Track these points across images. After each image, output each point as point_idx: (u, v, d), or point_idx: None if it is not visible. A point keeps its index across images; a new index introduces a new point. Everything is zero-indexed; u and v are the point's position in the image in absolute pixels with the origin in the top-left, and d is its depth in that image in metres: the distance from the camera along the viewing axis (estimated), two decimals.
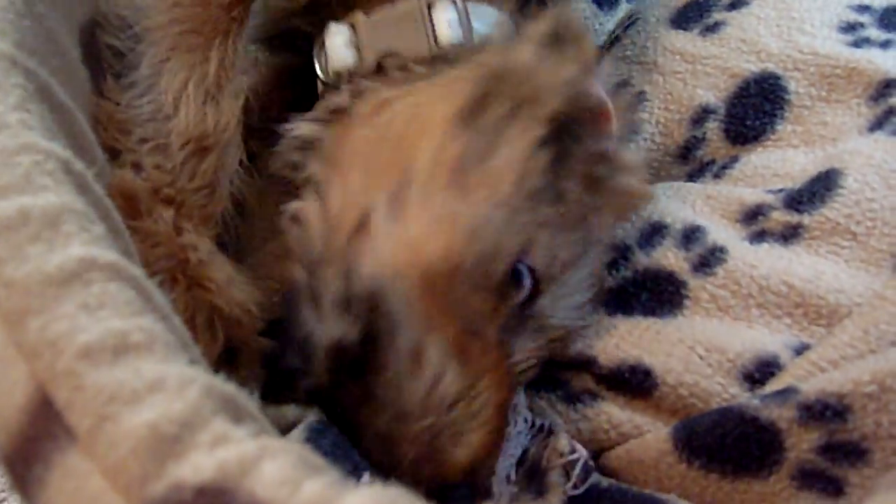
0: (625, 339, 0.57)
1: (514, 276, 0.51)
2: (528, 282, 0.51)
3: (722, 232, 0.60)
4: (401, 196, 0.50)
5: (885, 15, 0.71)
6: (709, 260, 0.58)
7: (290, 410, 0.50)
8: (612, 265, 0.61)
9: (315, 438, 0.47)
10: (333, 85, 0.58)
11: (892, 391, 0.46)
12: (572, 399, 0.58)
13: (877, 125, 0.63)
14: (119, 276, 0.31)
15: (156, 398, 0.27)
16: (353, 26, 0.57)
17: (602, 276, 0.60)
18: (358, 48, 0.57)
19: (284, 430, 0.48)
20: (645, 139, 0.71)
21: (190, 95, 0.54)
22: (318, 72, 0.58)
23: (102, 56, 0.54)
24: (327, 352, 0.49)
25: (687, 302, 0.58)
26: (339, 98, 0.57)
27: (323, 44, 0.58)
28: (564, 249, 0.53)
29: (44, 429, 0.27)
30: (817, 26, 0.70)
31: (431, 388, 0.47)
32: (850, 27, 0.70)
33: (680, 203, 0.63)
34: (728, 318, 0.57)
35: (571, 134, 0.53)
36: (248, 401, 0.30)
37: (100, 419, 0.27)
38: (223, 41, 0.56)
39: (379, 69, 0.56)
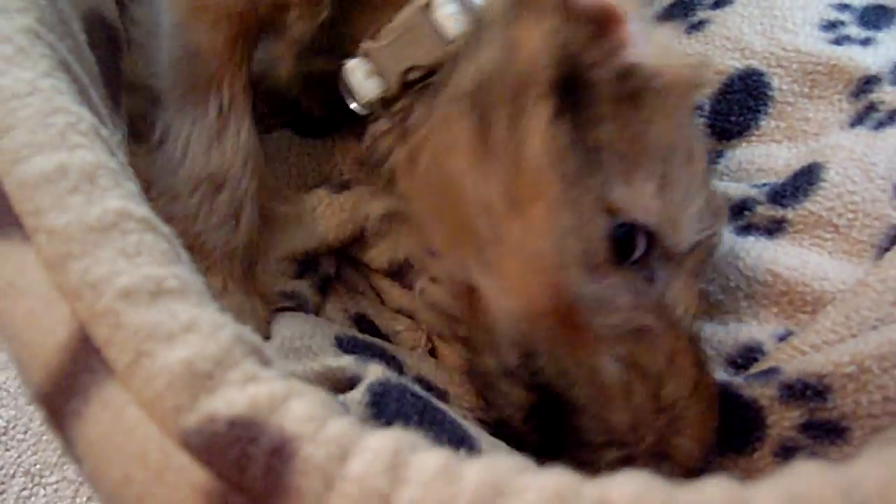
0: None
1: (622, 245, 0.49)
2: (639, 240, 0.49)
3: None
4: (483, 255, 0.50)
5: (864, 13, 0.74)
6: None
7: (349, 364, 0.50)
8: None
9: (378, 402, 0.47)
10: (371, 114, 0.59)
11: (870, 372, 0.48)
12: None
13: (857, 120, 0.66)
14: (153, 229, 0.34)
15: (190, 338, 0.29)
16: (367, 55, 0.58)
17: None
18: (379, 74, 0.58)
19: (338, 386, 0.49)
20: None
21: (193, 143, 0.57)
22: (352, 107, 0.60)
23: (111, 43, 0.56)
24: (526, 414, 0.51)
25: None
26: (381, 125, 0.58)
27: (346, 82, 0.59)
28: (647, 178, 0.50)
29: (83, 364, 0.29)
30: (799, 24, 0.73)
31: (640, 408, 0.48)
32: (831, 25, 0.73)
33: None
34: (718, 314, 0.60)
35: (581, 77, 0.51)
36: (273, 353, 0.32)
37: (137, 355, 0.29)
38: (219, 89, 0.58)
39: (406, 85, 0.57)
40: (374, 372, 0.47)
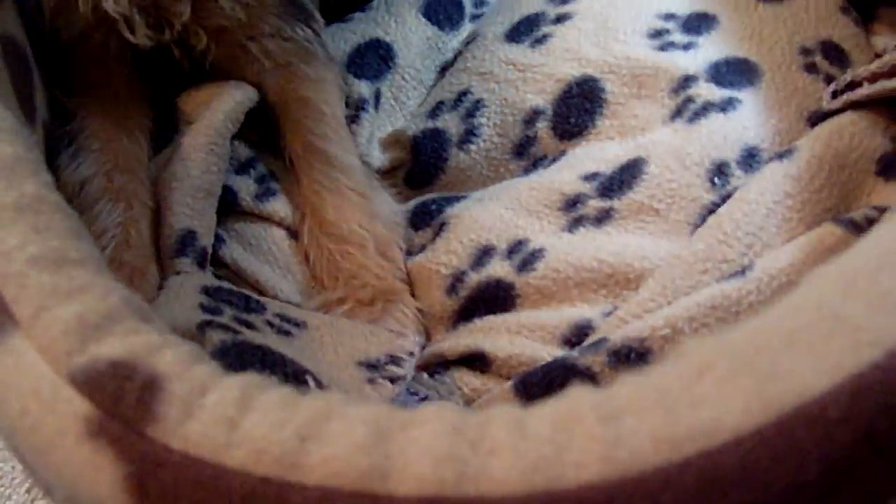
0: (464, 336, 0.71)
1: None
2: None
3: (541, 234, 0.73)
4: None
5: (687, 21, 0.87)
6: (530, 260, 0.71)
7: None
8: (452, 290, 0.74)
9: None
10: None
11: (682, 333, 0.60)
12: (431, 374, 0.70)
13: (677, 113, 0.78)
14: (63, 211, 0.44)
15: (84, 297, 0.38)
16: None
17: (444, 302, 0.73)
18: None
19: None
20: (484, 140, 0.84)
21: None
22: None
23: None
24: None
25: (518, 300, 0.71)
26: None
27: None
28: None
29: None
30: (629, 34, 0.85)
31: None
32: (657, 33, 0.85)
33: (507, 212, 0.76)
34: (554, 303, 0.70)
35: None
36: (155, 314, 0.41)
37: (39, 309, 0.37)
38: None
39: None
40: (210, 340, 0.56)
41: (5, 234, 0.42)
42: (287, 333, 0.65)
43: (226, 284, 0.71)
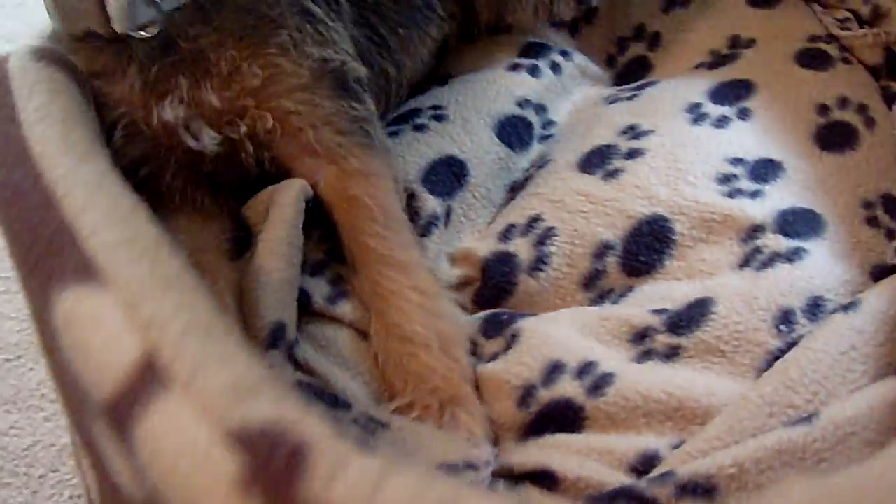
0: (533, 452, 0.75)
1: None
2: None
3: (612, 360, 0.78)
4: None
5: (755, 167, 0.94)
6: (600, 384, 0.76)
7: None
8: (522, 403, 0.78)
9: None
10: None
11: (749, 473, 0.64)
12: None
13: (745, 262, 0.84)
14: (200, 290, 0.51)
15: (235, 364, 0.44)
16: None
17: (514, 413, 0.78)
18: None
19: None
20: (554, 269, 0.90)
21: None
22: None
23: None
24: None
25: (587, 422, 0.75)
26: None
27: None
28: None
29: (149, 378, 0.44)
30: (699, 177, 0.92)
31: None
32: (725, 179, 0.92)
33: (578, 335, 0.81)
34: (621, 429, 0.75)
35: None
36: None
37: (194, 372, 0.44)
38: None
39: None
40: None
41: (160, 304, 0.48)
42: (372, 433, 0.70)
43: (314, 381, 0.76)
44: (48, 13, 0.82)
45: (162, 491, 0.43)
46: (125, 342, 0.46)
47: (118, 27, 0.76)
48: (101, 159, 0.64)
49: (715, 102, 1.03)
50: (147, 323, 0.47)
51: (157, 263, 0.52)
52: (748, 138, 0.98)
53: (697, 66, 1.16)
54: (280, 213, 0.84)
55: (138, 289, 0.49)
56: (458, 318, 0.86)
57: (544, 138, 1.10)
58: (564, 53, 1.20)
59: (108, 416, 0.46)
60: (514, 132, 1.07)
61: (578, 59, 1.21)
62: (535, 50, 1.19)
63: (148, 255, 0.52)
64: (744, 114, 1.01)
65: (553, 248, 0.91)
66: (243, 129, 0.84)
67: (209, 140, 0.83)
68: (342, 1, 0.94)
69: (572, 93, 1.17)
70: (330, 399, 0.73)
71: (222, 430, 0.41)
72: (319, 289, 0.87)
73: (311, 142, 0.86)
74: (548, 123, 1.12)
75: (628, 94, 1.12)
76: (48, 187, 0.59)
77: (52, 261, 0.55)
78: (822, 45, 1.12)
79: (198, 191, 0.90)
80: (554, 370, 0.78)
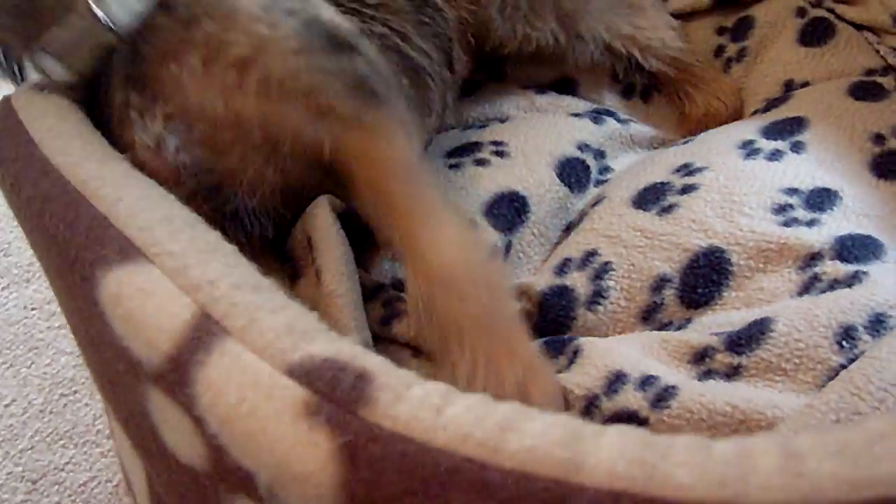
0: None
1: None
2: None
3: (672, 375, 0.82)
4: None
5: (810, 197, 0.98)
6: (664, 396, 0.80)
7: None
8: (586, 413, 0.82)
9: None
10: None
11: None
12: None
13: (804, 289, 0.88)
14: (240, 256, 0.58)
15: (288, 311, 0.50)
16: None
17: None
18: None
19: None
20: (612, 303, 0.95)
21: None
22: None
23: None
24: None
25: None
26: None
27: None
28: None
29: (205, 331, 0.50)
30: (754, 208, 0.96)
31: None
32: (781, 209, 0.96)
33: (638, 353, 0.86)
34: None
35: None
36: None
37: (250, 320, 0.49)
38: None
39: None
40: None
41: (206, 267, 0.55)
42: None
43: None
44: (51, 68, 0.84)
45: (225, 436, 0.48)
46: (177, 305, 0.53)
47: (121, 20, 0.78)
48: (121, 161, 0.70)
49: (768, 138, 1.08)
50: (196, 285, 0.53)
51: (196, 235, 0.59)
52: (803, 169, 1.02)
53: (753, 114, 1.23)
54: (324, 236, 0.89)
55: (182, 257, 0.56)
56: (494, 259, 0.90)
57: (600, 182, 1.16)
58: (623, 122, 1.28)
59: (164, 377, 0.51)
60: (573, 173, 1.14)
61: (635, 128, 1.28)
62: (598, 111, 1.27)
63: (186, 229, 0.59)
64: (797, 147, 1.06)
65: (610, 283, 0.95)
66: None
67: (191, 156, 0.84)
68: None
69: (638, 148, 1.25)
70: None
71: (284, 366, 0.47)
72: (372, 311, 0.92)
73: (316, 105, 0.85)
74: (605, 169, 1.19)
75: (682, 140, 1.18)
76: (77, 189, 0.66)
77: (92, 249, 0.61)
78: (878, 79, 1.17)
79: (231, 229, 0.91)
80: (616, 380, 0.81)
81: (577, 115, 1.23)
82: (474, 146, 1.15)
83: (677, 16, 1.41)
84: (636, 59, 1.24)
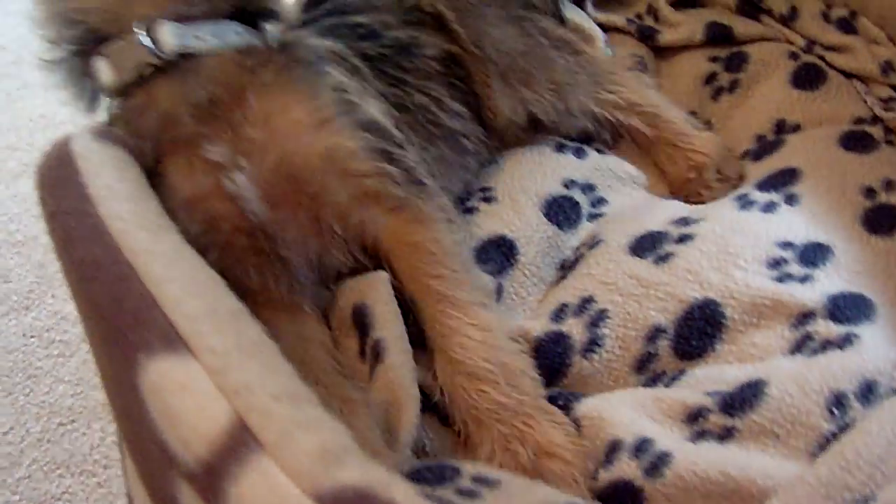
0: None
1: None
2: None
3: (667, 438, 0.83)
4: None
5: (804, 252, 1.00)
6: (657, 464, 0.81)
7: None
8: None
9: None
10: None
11: None
12: None
13: (797, 348, 0.90)
14: (281, 356, 0.59)
15: (321, 430, 0.51)
16: None
17: None
18: None
19: None
20: (607, 351, 0.96)
21: None
22: None
23: None
24: None
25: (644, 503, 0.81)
26: None
27: None
28: None
29: (240, 440, 0.51)
30: (749, 261, 0.98)
31: None
32: (775, 263, 0.98)
33: (633, 413, 0.87)
34: None
35: None
36: None
37: (283, 436, 0.50)
38: None
39: None
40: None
41: (246, 371, 0.56)
42: (476, 495, 0.76)
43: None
44: (97, 82, 0.94)
45: None
46: (215, 408, 0.54)
47: (168, 48, 0.89)
48: (173, 233, 0.72)
49: (762, 191, 1.11)
50: (235, 389, 0.54)
51: (240, 332, 0.60)
52: (797, 222, 1.04)
53: (744, 154, 1.25)
54: (387, 310, 0.94)
55: (224, 357, 0.57)
56: (520, 351, 0.94)
57: (594, 217, 1.18)
58: (604, 154, 1.29)
59: (198, 479, 0.53)
60: (561, 212, 1.15)
61: (616, 162, 1.28)
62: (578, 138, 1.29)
63: (230, 324, 0.61)
64: (791, 199, 1.08)
65: (606, 331, 0.97)
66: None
67: (251, 191, 0.91)
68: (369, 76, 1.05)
69: (626, 179, 1.25)
70: (432, 473, 0.78)
71: (315, 492, 0.48)
72: None
73: (365, 190, 0.94)
74: (598, 201, 1.20)
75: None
76: (128, 261, 0.67)
77: (137, 331, 0.63)
78: (867, 128, 1.19)
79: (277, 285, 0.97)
80: (612, 450, 0.84)
81: (560, 147, 1.24)
82: (466, 196, 1.18)
83: (669, 50, 1.43)
84: (618, 121, 1.28)
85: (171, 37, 0.90)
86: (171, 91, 0.92)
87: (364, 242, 0.97)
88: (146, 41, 0.89)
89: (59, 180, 0.76)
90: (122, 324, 0.63)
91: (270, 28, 0.96)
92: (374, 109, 0.99)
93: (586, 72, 1.26)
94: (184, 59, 0.91)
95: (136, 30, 0.89)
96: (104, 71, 0.92)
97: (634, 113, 1.28)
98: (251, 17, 0.95)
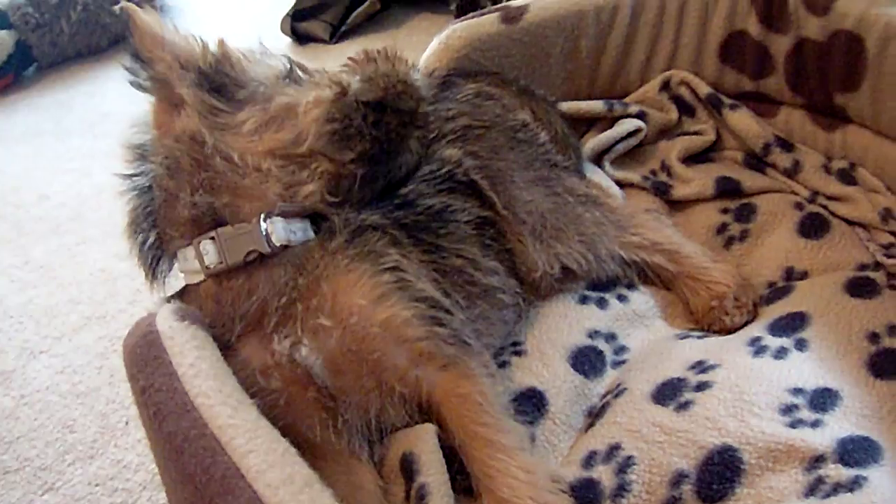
0: None
1: None
2: None
3: None
4: None
5: (814, 397, 1.07)
6: None
7: None
8: None
9: None
10: None
11: None
12: None
13: (810, 491, 0.96)
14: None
15: None
16: None
17: None
18: None
19: None
20: (635, 496, 1.03)
21: None
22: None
23: None
24: None
25: None
26: None
27: None
28: None
29: None
30: (763, 408, 1.05)
31: None
32: (787, 409, 1.05)
33: None
34: None
35: None
36: None
37: None
38: None
39: None
40: None
41: None
42: None
43: None
44: (187, 263, 1.08)
45: None
46: None
47: (277, 240, 1.05)
48: (252, 407, 0.81)
49: (774, 335, 1.18)
50: None
51: (314, 499, 0.69)
52: (806, 368, 1.12)
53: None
54: (433, 458, 1.02)
55: None
56: (561, 491, 1.01)
57: (617, 364, 1.26)
58: (630, 286, 1.37)
59: None
60: (587, 361, 1.24)
61: (644, 289, 1.38)
62: (603, 283, 1.37)
63: (306, 491, 0.69)
64: (801, 345, 1.16)
65: (633, 476, 1.04)
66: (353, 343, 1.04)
67: (316, 363, 1.03)
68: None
69: (645, 318, 1.34)
70: None
71: None
72: None
73: (420, 352, 1.05)
74: (620, 349, 1.28)
75: (698, 334, 1.28)
76: (214, 434, 0.76)
77: (226, 499, 0.72)
78: (870, 274, 1.27)
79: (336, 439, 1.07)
80: None
81: (584, 300, 1.33)
82: (499, 351, 1.27)
83: (682, 202, 1.53)
84: (643, 260, 1.37)
85: (281, 230, 1.06)
86: (269, 279, 1.05)
87: (419, 398, 1.06)
88: (262, 232, 1.04)
89: (147, 358, 0.86)
90: (211, 492, 0.72)
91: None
92: (425, 282, 1.10)
93: (609, 220, 1.37)
94: (282, 250, 1.06)
95: (260, 222, 1.05)
96: (210, 252, 1.05)
97: (657, 251, 1.37)
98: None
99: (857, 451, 0.99)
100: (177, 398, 0.81)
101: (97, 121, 2.63)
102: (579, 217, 1.34)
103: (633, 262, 1.37)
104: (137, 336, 0.91)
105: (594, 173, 1.53)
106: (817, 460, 0.99)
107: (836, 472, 0.97)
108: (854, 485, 0.95)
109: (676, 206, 1.56)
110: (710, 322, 1.31)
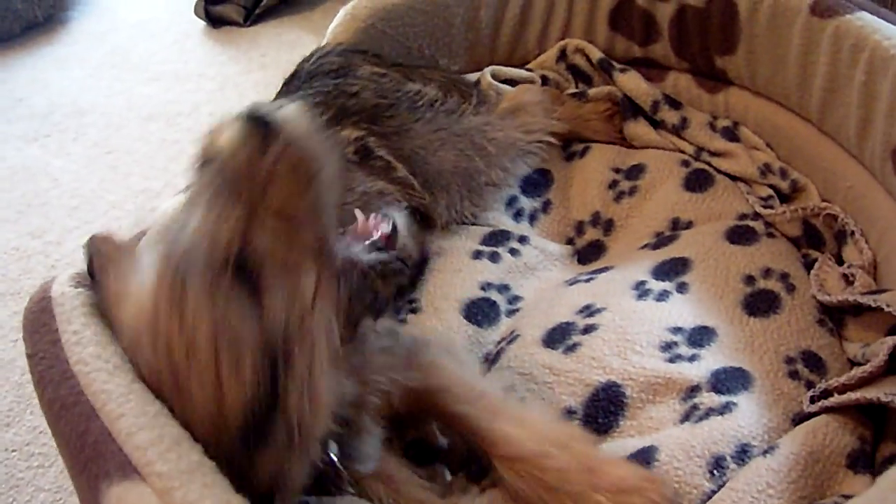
0: None
1: None
2: None
3: None
4: None
5: (692, 334, 1.12)
6: None
7: None
8: None
9: None
10: None
11: None
12: None
13: (685, 417, 1.01)
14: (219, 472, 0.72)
15: None
16: None
17: None
18: None
19: None
20: None
21: None
22: None
23: None
24: None
25: None
26: None
27: None
28: None
29: None
30: (645, 346, 1.10)
31: None
32: (667, 346, 1.10)
33: None
34: None
35: None
36: None
37: None
38: None
39: None
40: None
41: (186, 490, 0.68)
42: None
43: None
44: None
45: None
46: None
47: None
48: (127, 373, 0.81)
49: (657, 279, 1.23)
50: None
51: (182, 454, 0.71)
52: (686, 309, 1.17)
53: (643, 247, 1.37)
54: None
55: (168, 479, 0.69)
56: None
57: (512, 312, 1.30)
58: (522, 239, 1.41)
59: None
60: (480, 312, 1.28)
61: (536, 241, 1.42)
62: (496, 238, 1.41)
63: (175, 449, 0.71)
64: (682, 287, 1.21)
65: None
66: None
67: None
68: None
69: (536, 270, 1.38)
70: None
71: None
72: None
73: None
74: (513, 299, 1.32)
75: (586, 278, 1.32)
76: (89, 400, 0.78)
77: (98, 463, 0.74)
78: (750, 223, 1.33)
79: None
80: None
81: (477, 254, 1.37)
82: (397, 311, 1.29)
83: (579, 160, 1.58)
84: None
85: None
86: None
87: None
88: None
89: (37, 325, 0.87)
90: (86, 457, 0.74)
91: None
92: None
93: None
94: None
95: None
96: None
97: None
98: None
99: (728, 380, 1.05)
100: (58, 365, 0.82)
101: (10, 106, 2.60)
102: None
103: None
104: (33, 302, 0.91)
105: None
106: (692, 390, 1.04)
107: (709, 399, 1.02)
108: (725, 409, 1.00)
109: (571, 161, 1.60)
110: None
